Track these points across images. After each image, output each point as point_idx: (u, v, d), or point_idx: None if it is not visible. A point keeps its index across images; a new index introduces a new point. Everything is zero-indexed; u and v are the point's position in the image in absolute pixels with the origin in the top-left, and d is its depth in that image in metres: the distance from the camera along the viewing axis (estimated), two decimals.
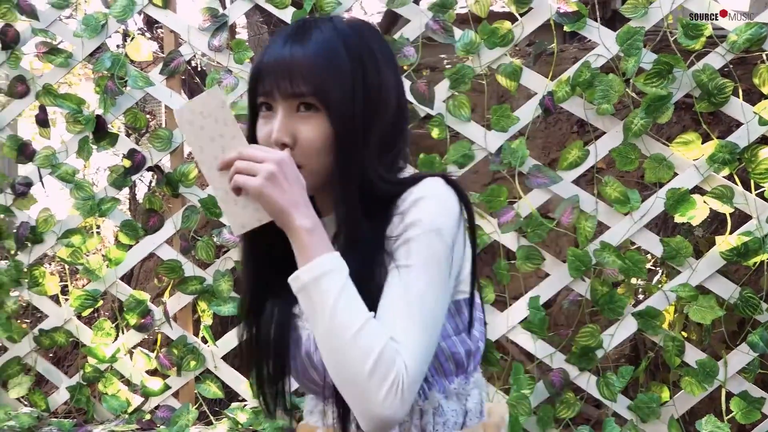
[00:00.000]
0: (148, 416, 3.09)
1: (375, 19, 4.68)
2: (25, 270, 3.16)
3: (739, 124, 2.59)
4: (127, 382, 3.16)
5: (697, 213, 2.54)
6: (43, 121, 3.15)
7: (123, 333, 3.14)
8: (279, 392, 1.28)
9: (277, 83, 1.15)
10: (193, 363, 3.04)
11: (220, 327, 3.32)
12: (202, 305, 3.02)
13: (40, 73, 3.23)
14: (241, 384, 3.02)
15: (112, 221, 3.23)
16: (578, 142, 2.68)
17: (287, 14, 2.87)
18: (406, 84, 2.76)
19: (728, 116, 2.68)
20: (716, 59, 2.55)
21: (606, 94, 2.58)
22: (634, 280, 2.73)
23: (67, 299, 3.17)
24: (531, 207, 2.66)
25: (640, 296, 3.05)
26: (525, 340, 2.73)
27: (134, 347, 3.16)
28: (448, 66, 3.79)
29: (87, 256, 3.14)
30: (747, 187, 2.55)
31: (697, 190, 2.59)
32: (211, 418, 3.07)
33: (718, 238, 2.57)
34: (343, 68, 1.16)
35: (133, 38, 3.11)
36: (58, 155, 3.11)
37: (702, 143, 2.56)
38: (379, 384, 1.03)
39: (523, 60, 2.98)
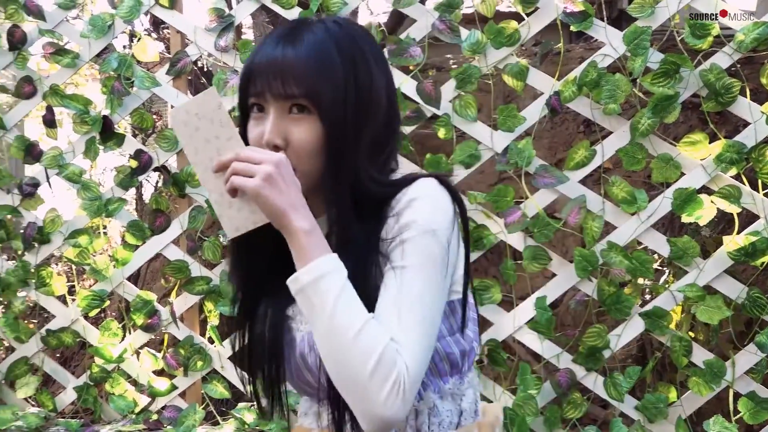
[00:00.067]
0: (155, 416, 3.10)
1: (381, 19, 4.68)
2: (33, 270, 3.17)
3: (746, 124, 2.58)
4: (134, 383, 3.16)
5: (704, 213, 2.53)
6: (50, 122, 3.16)
7: (130, 333, 3.14)
8: (276, 394, 1.28)
9: (269, 84, 1.15)
10: (199, 363, 3.04)
11: (227, 327, 3.32)
12: (209, 305, 3.03)
13: (47, 73, 3.24)
14: (248, 384, 3.02)
15: (119, 221, 3.23)
16: (585, 142, 2.68)
17: (294, 14, 2.87)
18: (413, 84, 2.76)
19: (735, 116, 2.67)
20: (723, 59, 2.54)
21: (613, 94, 2.58)
22: (641, 280, 2.73)
23: (74, 299, 3.17)
24: (538, 207, 2.66)
25: (647, 296, 3.05)
26: (532, 340, 2.73)
27: (141, 347, 3.17)
28: (454, 66, 3.79)
29: (94, 256, 3.15)
30: (755, 187, 2.54)
31: (705, 189, 2.58)
32: (218, 418, 3.07)
33: (726, 238, 2.57)
34: (335, 70, 1.15)
35: (139, 39, 3.11)
36: (65, 156, 3.12)
37: (709, 143, 2.56)
38: (381, 384, 1.03)
39: (529, 60, 2.98)
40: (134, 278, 4.02)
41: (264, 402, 1.30)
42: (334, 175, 1.16)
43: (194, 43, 3.00)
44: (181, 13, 3.06)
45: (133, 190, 4.67)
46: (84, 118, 3.07)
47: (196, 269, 3.02)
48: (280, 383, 1.26)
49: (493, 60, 2.72)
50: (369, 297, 1.11)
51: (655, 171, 2.58)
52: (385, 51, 2.79)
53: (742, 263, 2.57)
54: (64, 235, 3.13)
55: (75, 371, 3.78)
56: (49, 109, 3.15)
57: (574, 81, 2.63)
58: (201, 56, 3.12)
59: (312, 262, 1.07)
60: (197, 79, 4.27)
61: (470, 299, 1.25)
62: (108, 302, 3.19)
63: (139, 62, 3.10)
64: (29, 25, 3.13)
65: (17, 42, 3.11)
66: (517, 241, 2.71)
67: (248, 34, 5.80)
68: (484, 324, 2.95)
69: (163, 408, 3.11)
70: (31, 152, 3.15)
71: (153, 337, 3.18)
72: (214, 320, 3.03)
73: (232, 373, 3.04)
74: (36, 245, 3.17)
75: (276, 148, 1.14)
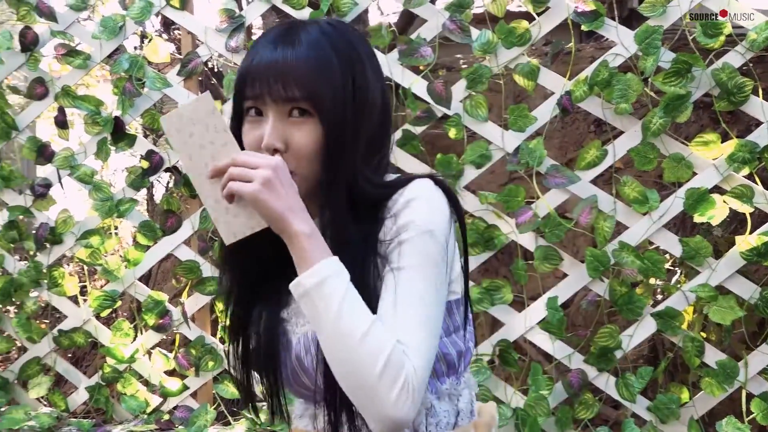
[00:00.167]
0: (166, 416, 3.10)
1: (391, 19, 4.68)
2: (45, 271, 3.18)
3: (758, 123, 2.57)
4: (146, 383, 3.17)
5: (716, 213, 2.52)
6: (62, 123, 3.17)
7: (141, 333, 3.15)
8: (275, 398, 1.28)
9: (269, 87, 1.13)
10: (211, 363, 3.05)
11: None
12: (220, 305, 3.03)
13: (59, 74, 3.25)
14: (259, 384, 3.02)
15: (130, 222, 3.24)
16: (596, 142, 2.67)
17: (304, 15, 2.87)
18: (423, 84, 2.76)
19: (747, 115, 2.66)
20: (736, 58, 2.53)
21: (624, 94, 2.57)
22: (652, 281, 2.72)
23: (85, 300, 3.18)
24: (549, 207, 2.65)
25: (659, 296, 3.03)
26: (543, 340, 2.72)
27: (153, 348, 3.18)
28: (464, 66, 3.79)
29: (105, 256, 3.16)
30: (767, 187, 2.53)
31: (717, 189, 2.57)
32: (229, 418, 3.08)
33: (738, 238, 2.55)
34: (334, 72, 1.15)
35: (150, 40, 3.12)
36: (76, 156, 3.13)
37: (721, 142, 2.54)
38: (390, 386, 1.03)
39: (539, 59, 2.97)
40: (145, 278, 4.03)
41: (254, 405, 1.31)
42: (333, 178, 1.15)
43: (205, 44, 3.01)
44: (191, 14, 3.07)
45: (144, 191, 4.67)
46: (95, 119, 3.08)
47: (208, 269, 3.03)
48: (278, 387, 1.26)
49: (503, 60, 2.71)
50: (367, 298, 1.10)
51: (666, 171, 2.57)
52: (396, 51, 2.79)
53: (754, 263, 2.56)
54: (75, 235, 3.14)
55: (86, 371, 3.80)
56: (61, 110, 3.16)
57: (586, 80, 2.62)
58: (212, 57, 3.13)
59: (315, 265, 1.07)
60: (208, 80, 4.28)
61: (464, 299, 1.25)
62: (119, 302, 3.20)
63: (150, 63, 3.11)
64: (41, 26, 3.15)
65: (29, 43, 3.12)
66: (528, 241, 2.70)
67: (259, 35, 5.80)
68: (494, 324, 2.95)
69: (174, 408, 3.12)
70: (43, 153, 3.17)
71: (164, 337, 3.19)
72: (225, 320, 3.03)
73: None
74: (48, 246, 3.18)
75: (276, 152, 1.13)
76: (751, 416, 2.53)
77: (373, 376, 1.03)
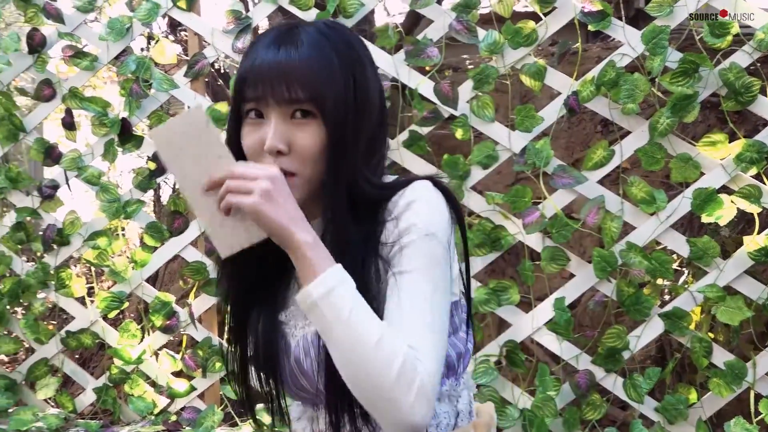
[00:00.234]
0: (173, 417, 3.11)
1: (397, 19, 4.68)
2: (52, 272, 3.19)
3: (765, 123, 2.57)
4: (153, 384, 3.17)
5: (724, 213, 2.51)
6: (69, 124, 3.18)
7: (148, 335, 3.16)
8: (275, 401, 1.28)
9: (272, 89, 1.12)
10: (218, 364, 3.05)
11: None
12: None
13: (66, 76, 3.26)
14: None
15: (137, 223, 3.25)
16: (603, 142, 2.67)
17: (311, 16, 2.87)
18: (430, 85, 2.76)
19: (755, 115, 2.65)
20: (743, 57, 2.52)
21: (631, 94, 2.56)
22: (660, 281, 2.71)
23: (92, 301, 3.19)
24: (556, 207, 2.65)
25: (666, 297, 3.03)
26: (550, 341, 2.72)
27: (160, 349, 3.18)
28: (470, 66, 3.78)
29: (113, 258, 3.17)
30: None
31: (724, 189, 2.57)
32: (237, 419, 3.08)
33: (746, 238, 2.55)
34: (335, 73, 1.14)
35: (157, 41, 3.13)
36: (83, 158, 3.14)
37: (729, 142, 2.54)
38: (406, 392, 1.02)
39: (546, 59, 2.97)
40: (152, 280, 4.04)
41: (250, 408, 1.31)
42: (335, 179, 1.15)
43: (212, 45, 3.01)
44: (198, 16, 3.08)
45: (151, 192, 4.68)
46: (102, 121, 3.09)
47: (215, 270, 3.02)
48: (278, 389, 1.26)
49: (510, 60, 2.71)
50: (369, 298, 1.10)
51: (674, 171, 2.56)
52: (402, 51, 2.79)
53: (762, 263, 2.55)
54: (83, 236, 3.15)
55: (94, 372, 3.80)
56: (68, 112, 3.17)
57: (593, 81, 2.62)
58: (218, 58, 3.13)
59: (321, 275, 1.05)
60: (214, 81, 4.29)
61: (462, 301, 1.25)
62: (127, 304, 3.21)
63: (156, 64, 3.11)
64: (48, 28, 3.16)
65: (37, 45, 3.13)
66: (535, 241, 2.70)
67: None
68: (501, 325, 2.95)
69: (182, 409, 3.12)
70: (51, 155, 3.17)
71: (171, 338, 3.19)
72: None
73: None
74: (55, 247, 3.19)
75: (279, 154, 1.12)
76: (759, 417, 2.52)
77: (389, 383, 1.02)
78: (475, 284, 2.74)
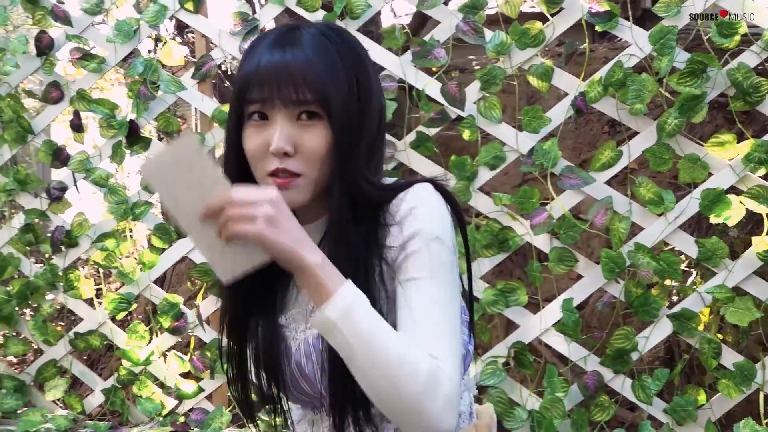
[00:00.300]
0: (182, 419, 3.11)
1: (404, 20, 4.68)
2: (60, 273, 3.20)
3: None
4: (161, 385, 3.18)
5: (733, 213, 2.50)
6: (77, 126, 3.19)
7: (157, 336, 3.16)
8: (277, 406, 1.27)
9: (279, 90, 1.12)
10: (226, 365, 3.04)
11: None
12: None
13: (73, 78, 3.27)
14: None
15: (145, 225, 3.26)
16: (611, 143, 2.66)
17: (317, 17, 2.87)
18: (437, 86, 2.75)
19: (763, 115, 2.64)
20: (751, 57, 2.52)
21: (639, 94, 2.56)
22: (668, 282, 2.71)
23: (101, 302, 3.19)
24: (563, 208, 2.64)
25: (674, 298, 3.02)
26: (558, 342, 2.71)
27: (168, 350, 3.19)
28: (477, 67, 3.78)
29: (120, 259, 3.17)
30: None
31: (733, 190, 2.56)
32: (245, 420, 3.08)
33: (755, 239, 2.54)
34: (340, 74, 1.15)
35: (165, 43, 3.13)
36: (91, 160, 3.14)
37: (737, 142, 2.53)
38: (433, 402, 1.02)
39: (552, 60, 2.97)
40: (160, 281, 4.04)
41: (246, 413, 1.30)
42: (341, 179, 1.15)
43: (219, 47, 3.01)
44: (205, 18, 3.08)
45: (158, 194, 4.70)
46: (110, 123, 3.10)
47: None
48: (279, 394, 1.26)
49: (517, 61, 2.71)
50: (373, 302, 1.10)
51: (682, 171, 2.56)
52: (409, 53, 2.79)
53: None
54: (91, 238, 3.16)
55: (102, 373, 3.81)
56: (76, 114, 3.17)
57: (600, 81, 2.61)
58: (225, 60, 3.13)
59: (334, 295, 1.03)
60: (222, 83, 4.29)
61: (462, 303, 1.25)
62: (135, 305, 3.21)
63: (164, 66, 3.12)
64: (56, 30, 3.17)
65: (45, 47, 3.14)
66: (542, 242, 2.70)
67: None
68: (509, 326, 2.95)
69: (190, 410, 3.13)
70: (59, 157, 3.18)
71: (179, 339, 3.20)
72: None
73: None
74: (64, 249, 3.20)
75: (285, 155, 1.12)
76: None
77: (415, 396, 1.02)
78: (482, 285, 2.74)
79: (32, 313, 3.40)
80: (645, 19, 4.84)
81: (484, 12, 2.74)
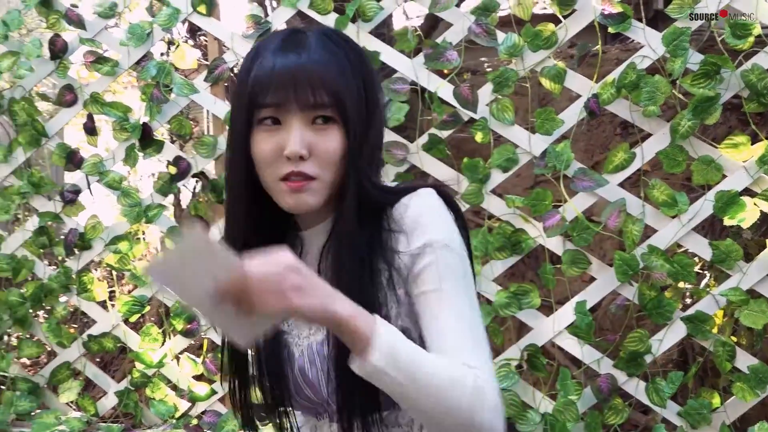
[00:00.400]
0: (195, 421, 3.12)
1: (416, 22, 4.68)
2: (74, 276, 3.21)
3: None
4: (174, 387, 3.19)
5: (747, 215, 2.49)
6: (90, 129, 3.20)
7: (170, 338, 3.17)
8: (281, 412, 1.27)
9: (297, 94, 1.11)
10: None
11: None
12: None
13: (87, 81, 3.28)
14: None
15: (157, 227, 3.27)
16: (624, 145, 2.65)
17: (330, 20, 2.88)
18: (449, 88, 2.75)
19: None
20: (765, 59, 2.50)
21: (652, 96, 2.55)
22: (681, 284, 2.69)
23: (114, 305, 3.21)
24: (576, 211, 2.64)
25: (687, 300, 3.01)
26: (571, 345, 2.71)
27: (181, 352, 3.19)
28: (489, 69, 3.78)
29: (134, 261, 3.18)
30: None
31: (747, 192, 2.54)
32: (257, 422, 3.08)
33: None
34: (350, 78, 1.15)
35: (177, 46, 3.14)
36: (104, 163, 3.15)
37: (751, 144, 2.52)
38: (482, 413, 1.03)
39: (565, 62, 2.96)
40: None
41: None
42: (352, 181, 1.15)
43: (231, 50, 3.02)
44: (218, 21, 3.09)
45: (171, 196, 4.71)
46: (123, 126, 3.11)
47: None
48: (284, 401, 1.26)
49: (530, 63, 2.70)
50: (377, 305, 1.12)
51: (695, 173, 2.55)
52: (421, 55, 2.79)
53: None
54: (104, 241, 3.17)
55: (114, 375, 3.83)
56: (90, 117, 3.19)
57: (613, 83, 2.61)
58: (238, 63, 3.13)
59: (373, 340, 1.00)
60: (234, 86, 4.30)
61: None
62: (148, 308, 3.22)
63: (176, 69, 3.13)
64: (70, 34, 3.18)
65: (58, 51, 3.16)
66: (555, 245, 2.69)
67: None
68: (522, 328, 2.94)
69: (203, 413, 3.13)
70: (72, 160, 3.20)
71: (192, 342, 3.20)
72: None
73: None
74: (77, 251, 3.21)
75: (301, 159, 1.12)
76: None
77: (466, 412, 1.02)
78: (495, 288, 2.73)
79: (46, 316, 3.42)
80: (657, 20, 4.82)
81: (496, 14, 2.73)
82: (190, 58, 3.13)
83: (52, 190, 3.26)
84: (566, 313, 2.70)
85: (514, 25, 2.72)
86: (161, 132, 3.34)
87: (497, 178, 2.75)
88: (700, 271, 2.99)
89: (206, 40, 3.42)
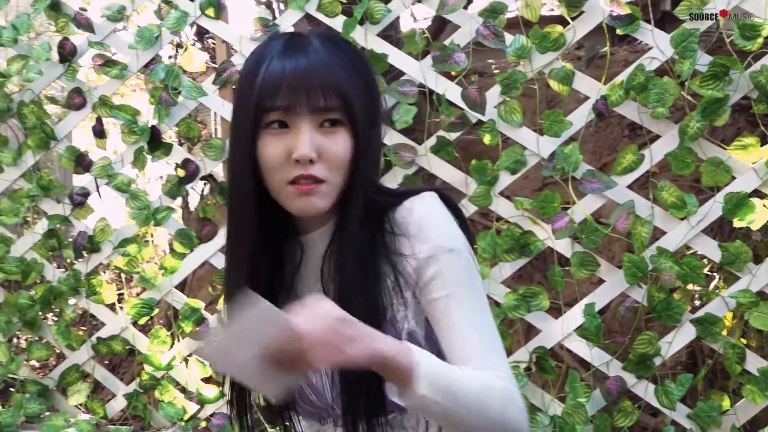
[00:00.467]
0: (203, 423, 3.12)
1: (424, 24, 4.68)
2: (83, 279, 3.22)
3: None
4: (183, 390, 3.19)
5: (756, 217, 2.48)
6: (99, 132, 3.21)
7: (178, 341, 3.17)
8: (287, 419, 1.28)
9: (308, 98, 1.11)
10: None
11: None
12: None
13: (95, 84, 3.30)
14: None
15: (166, 230, 3.27)
16: (633, 147, 2.65)
17: (338, 23, 2.88)
18: (457, 90, 2.75)
19: None
20: None
21: (661, 98, 2.54)
22: (690, 286, 2.69)
23: (122, 307, 3.21)
24: (585, 213, 2.63)
25: (696, 302, 3.00)
26: (580, 347, 2.70)
27: (189, 355, 3.20)
28: (496, 71, 3.78)
29: (142, 264, 3.19)
30: None
31: (756, 193, 2.54)
32: (266, 425, 3.08)
33: None
34: (356, 80, 1.16)
35: (186, 49, 3.15)
36: (113, 165, 3.16)
37: (760, 145, 2.51)
38: (512, 416, 1.05)
39: (573, 64, 2.96)
40: (181, 286, 4.06)
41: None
42: (359, 187, 1.16)
43: (239, 53, 3.03)
44: (226, 23, 3.10)
45: (179, 199, 4.72)
46: (132, 128, 3.11)
47: None
48: (287, 406, 1.26)
49: (538, 65, 2.70)
50: (382, 308, 1.13)
51: (704, 175, 2.54)
52: (429, 57, 2.79)
53: None
54: (113, 243, 3.17)
55: (123, 378, 3.83)
56: (98, 120, 3.20)
57: (621, 85, 2.60)
58: None
59: (417, 372, 0.99)
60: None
61: None
62: (156, 310, 3.23)
63: (185, 72, 3.13)
64: (79, 37, 3.19)
65: (67, 54, 3.16)
66: (564, 247, 2.69)
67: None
68: (530, 331, 2.94)
69: (211, 415, 3.13)
70: (81, 162, 3.20)
71: (201, 344, 3.20)
72: None
73: None
74: (86, 254, 3.22)
75: (310, 163, 1.12)
76: None
77: (500, 418, 1.04)
78: (503, 290, 2.73)
79: (55, 318, 3.43)
80: (665, 21, 4.82)
81: (504, 16, 2.73)
82: (199, 61, 3.14)
83: (61, 193, 3.27)
84: (575, 316, 2.69)
85: (522, 27, 2.72)
86: (169, 135, 3.34)
87: (505, 180, 2.75)
88: (710, 273, 2.98)
89: (214, 43, 3.43)
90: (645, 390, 2.63)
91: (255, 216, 1.18)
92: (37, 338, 3.35)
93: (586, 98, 2.69)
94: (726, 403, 2.59)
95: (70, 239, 3.27)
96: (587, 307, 2.64)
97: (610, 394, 2.63)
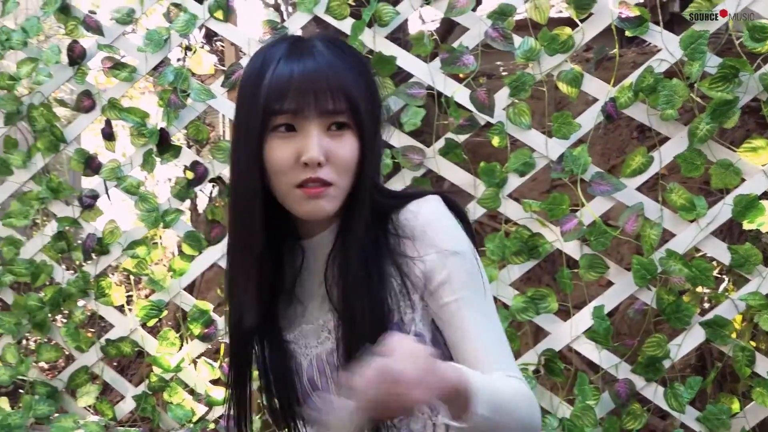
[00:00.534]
0: (212, 425, 3.13)
1: (432, 27, 4.68)
2: (92, 281, 3.22)
3: None
4: (192, 392, 3.19)
5: (766, 219, 2.47)
6: (108, 135, 3.22)
7: (187, 343, 3.18)
8: (293, 424, 1.28)
9: (316, 101, 1.11)
10: (255, 372, 3.05)
11: None
12: None
13: (104, 87, 3.31)
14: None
15: (174, 232, 3.28)
16: (642, 149, 2.64)
17: (346, 25, 2.88)
18: (465, 93, 2.75)
19: None
20: None
21: (670, 100, 2.53)
22: (700, 289, 2.68)
23: (131, 309, 3.22)
24: (594, 215, 2.63)
25: (706, 305, 2.99)
26: (589, 349, 2.69)
27: (198, 357, 3.20)
28: (505, 73, 3.77)
29: (151, 266, 3.19)
30: None
31: (766, 196, 2.53)
32: (274, 427, 3.08)
33: None
34: (361, 83, 1.16)
35: (194, 52, 3.16)
36: (122, 168, 3.17)
37: None
38: (534, 412, 1.10)
39: (581, 66, 2.95)
40: (189, 288, 4.07)
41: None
42: (366, 189, 1.17)
43: (248, 55, 3.03)
44: (235, 26, 3.10)
45: (188, 201, 4.73)
46: (141, 131, 3.12)
47: None
48: (295, 412, 1.26)
49: (546, 67, 2.70)
50: (378, 303, 1.14)
51: (714, 177, 2.53)
52: (437, 59, 2.79)
53: None
54: (122, 245, 3.18)
55: (132, 380, 3.84)
56: (107, 122, 3.21)
57: (630, 87, 2.60)
58: None
59: (472, 393, 0.98)
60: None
61: None
62: (165, 312, 3.23)
63: (193, 74, 3.14)
64: (88, 40, 3.20)
65: (77, 57, 3.17)
66: (572, 249, 2.68)
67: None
68: (538, 333, 2.93)
69: (220, 417, 3.14)
70: (90, 165, 3.21)
71: (210, 346, 3.21)
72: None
73: None
74: (95, 256, 3.22)
75: (319, 166, 1.12)
76: None
77: (527, 417, 1.08)
78: (512, 292, 2.73)
79: (64, 320, 3.44)
80: (673, 23, 4.81)
81: (512, 18, 2.73)
82: (207, 63, 3.14)
83: (71, 196, 3.28)
84: (584, 318, 2.68)
85: (531, 29, 2.72)
86: (178, 137, 3.35)
87: (514, 182, 2.75)
88: (719, 276, 2.98)
89: (223, 46, 3.43)
90: (654, 393, 2.63)
91: (261, 219, 1.17)
92: (46, 340, 3.36)
93: (595, 100, 2.68)
94: (735, 406, 2.58)
95: (79, 241, 3.28)
96: (596, 310, 2.64)
97: (619, 397, 2.62)
